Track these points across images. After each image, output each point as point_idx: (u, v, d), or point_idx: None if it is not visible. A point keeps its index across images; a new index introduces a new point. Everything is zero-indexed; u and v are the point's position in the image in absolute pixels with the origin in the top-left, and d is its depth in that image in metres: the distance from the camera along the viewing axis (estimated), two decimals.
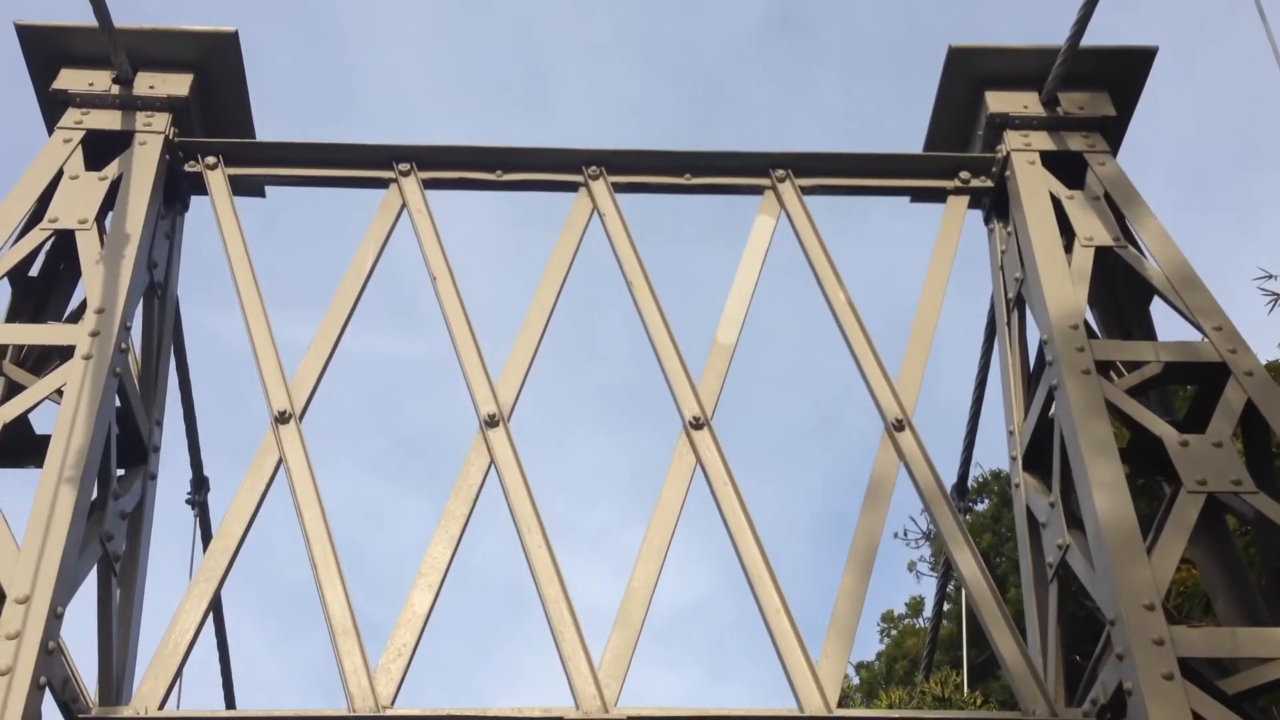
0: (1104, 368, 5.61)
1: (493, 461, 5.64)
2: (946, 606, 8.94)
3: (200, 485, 7.59)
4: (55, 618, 4.70)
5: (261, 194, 6.74)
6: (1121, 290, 6.14)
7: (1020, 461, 6.04)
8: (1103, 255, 6.10)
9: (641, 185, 6.64)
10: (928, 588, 15.25)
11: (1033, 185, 6.39)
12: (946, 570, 8.23)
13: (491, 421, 5.72)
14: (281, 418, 5.69)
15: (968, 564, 5.43)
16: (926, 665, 10.23)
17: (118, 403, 5.71)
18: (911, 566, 15.32)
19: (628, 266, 6.30)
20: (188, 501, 7.59)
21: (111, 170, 6.19)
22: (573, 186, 6.60)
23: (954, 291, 6.32)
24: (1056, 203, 6.29)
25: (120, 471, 5.69)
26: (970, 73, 6.69)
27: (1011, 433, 6.20)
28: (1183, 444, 5.25)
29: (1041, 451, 5.88)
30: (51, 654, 4.65)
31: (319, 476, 5.54)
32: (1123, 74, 6.66)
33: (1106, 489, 5.10)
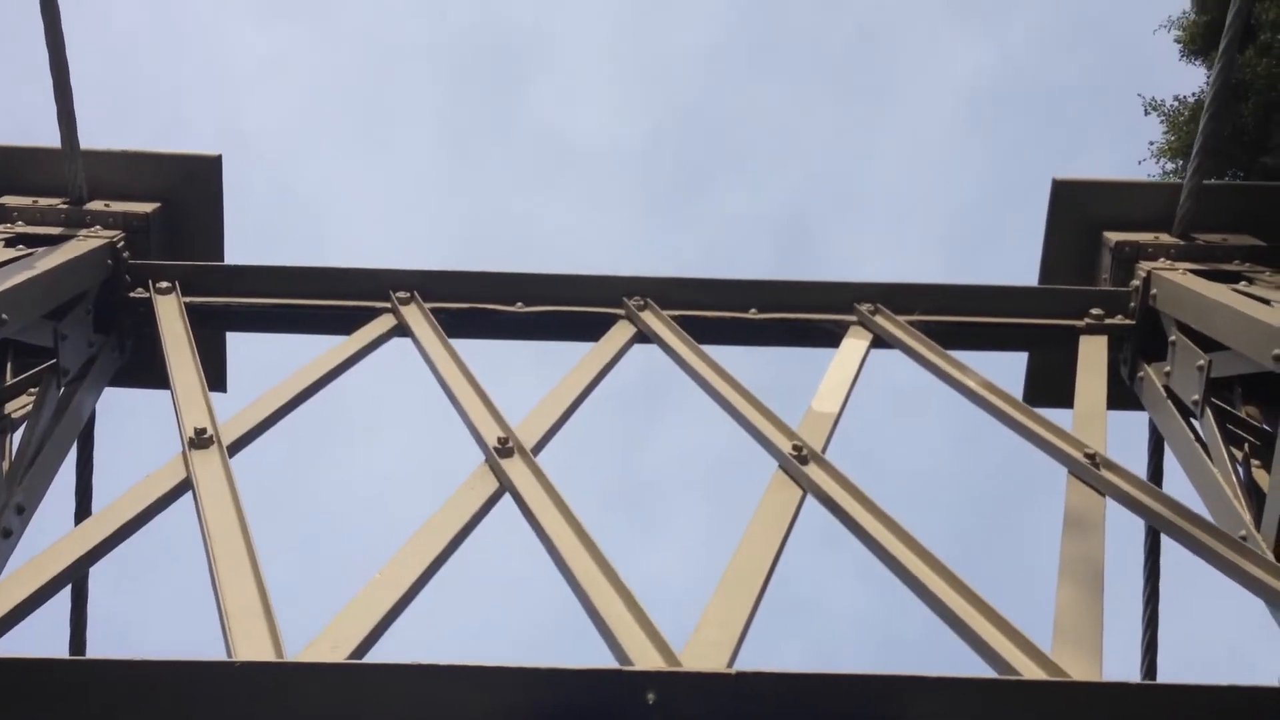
0: None
1: (505, 489, 3.80)
2: None
3: None
4: None
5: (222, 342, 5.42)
6: None
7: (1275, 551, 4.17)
8: None
9: (697, 321, 5.29)
10: None
11: (1190, 282, 5.11)
12: None
13: (504, 449, 3.95)
14: (199, 439, 3.94)
15: None
16: None
17: None
18: None
19: (690, 361, 4.82)
20: None
21: (38, 253, 4.93)
22: (610, 321, 5.26)
23: None
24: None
25: None
26: (1081, 213, 5.65)
27: (1244, 538, 4.35)
28: None
29: None
30: None
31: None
32: (1262, 212, 5.63)
33: None
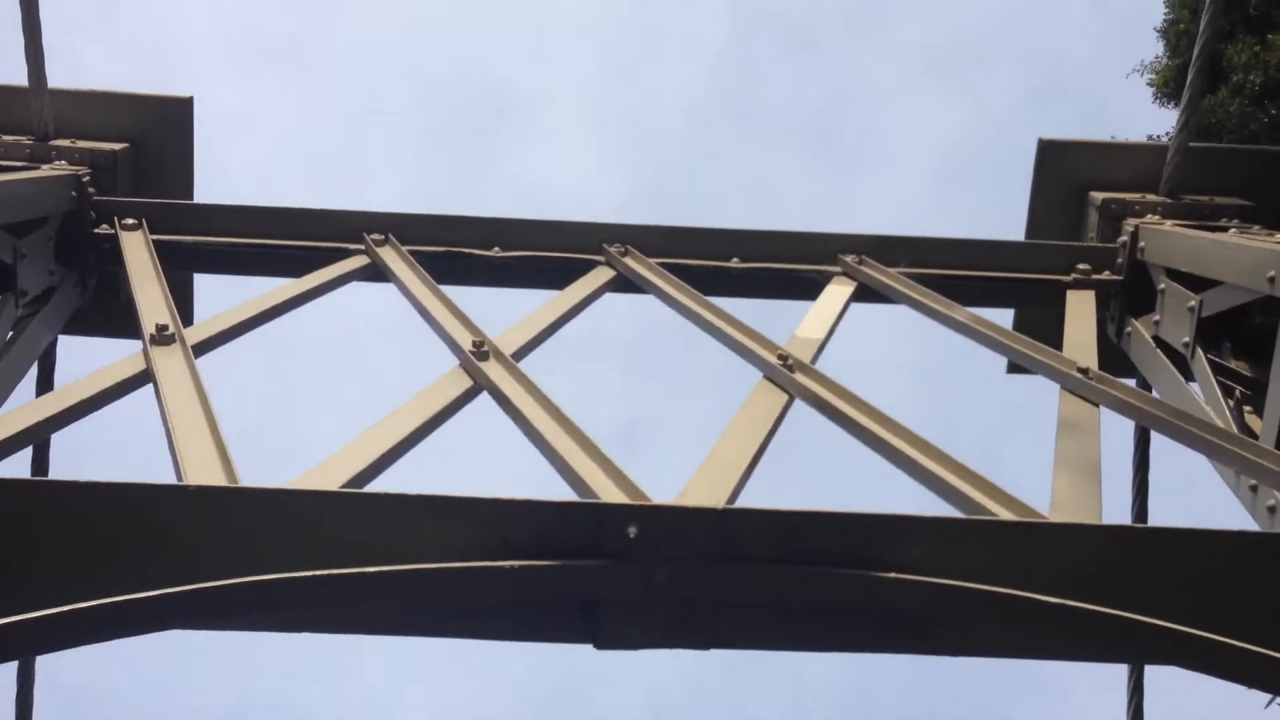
0: None
1: (481, 387, 3.65)
2: None
3: None
4: None
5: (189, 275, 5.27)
6: None
7: None
8: None
9: (678, 269, 5.17)
10: None
11: (1179, 231, 5.03)
12: None
13: (480, 353, 3.80)
14: (160, 335, 3.78)
15: None
16: None
17: None
18: None
19: (670, 293, 4.70)
20: None
21: None
22: (590, 267, 5.14)
23: None
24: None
25: None
26: (1067, 173, 5.59)
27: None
28: None
29: None
30: None
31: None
32: (1249, 176, 5.57)
33: None
